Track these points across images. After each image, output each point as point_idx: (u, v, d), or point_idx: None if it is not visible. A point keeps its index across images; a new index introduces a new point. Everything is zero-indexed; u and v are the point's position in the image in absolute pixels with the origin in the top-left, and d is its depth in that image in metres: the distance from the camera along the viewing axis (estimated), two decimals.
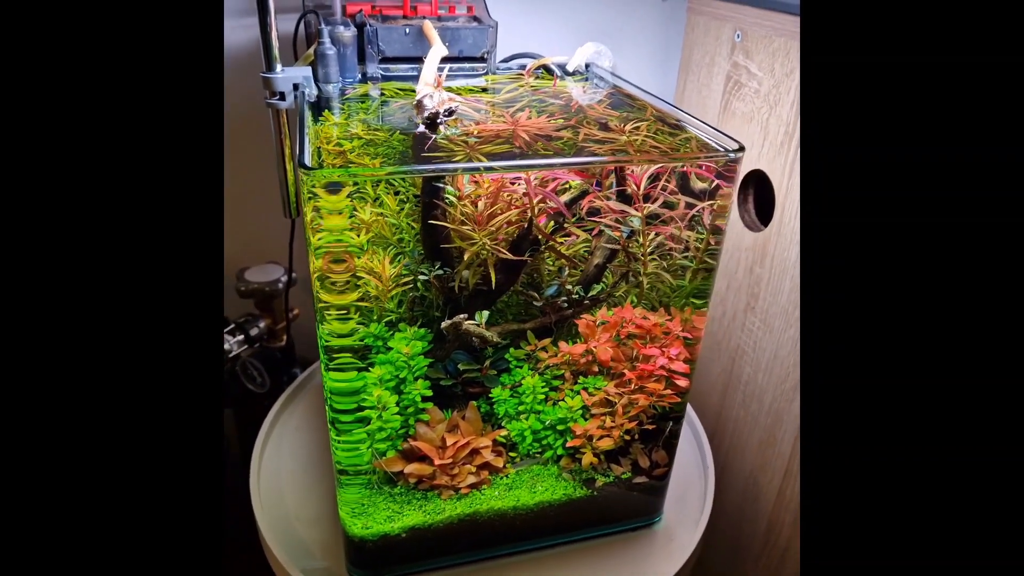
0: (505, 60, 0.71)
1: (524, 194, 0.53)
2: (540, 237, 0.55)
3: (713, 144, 0.51)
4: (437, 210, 0.52)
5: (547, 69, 0.68)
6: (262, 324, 0.81)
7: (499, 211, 0.53)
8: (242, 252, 0.86)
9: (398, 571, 0.57)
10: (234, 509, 0.76)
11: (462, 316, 0.51)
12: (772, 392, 0.75)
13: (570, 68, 0.68)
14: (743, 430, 0.82)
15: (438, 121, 0.52)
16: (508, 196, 0.53)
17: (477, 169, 0.49)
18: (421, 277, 0.53)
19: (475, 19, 0.70)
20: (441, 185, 0.51)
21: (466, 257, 0.52)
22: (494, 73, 0.67)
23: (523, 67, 0.68)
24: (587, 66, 0.69)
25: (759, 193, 0.77)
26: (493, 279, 0.53)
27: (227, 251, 0.86)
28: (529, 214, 0.53)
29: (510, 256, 0.53)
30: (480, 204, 0.52)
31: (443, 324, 0.51)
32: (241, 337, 0.79)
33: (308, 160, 0.41)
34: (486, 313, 0.53)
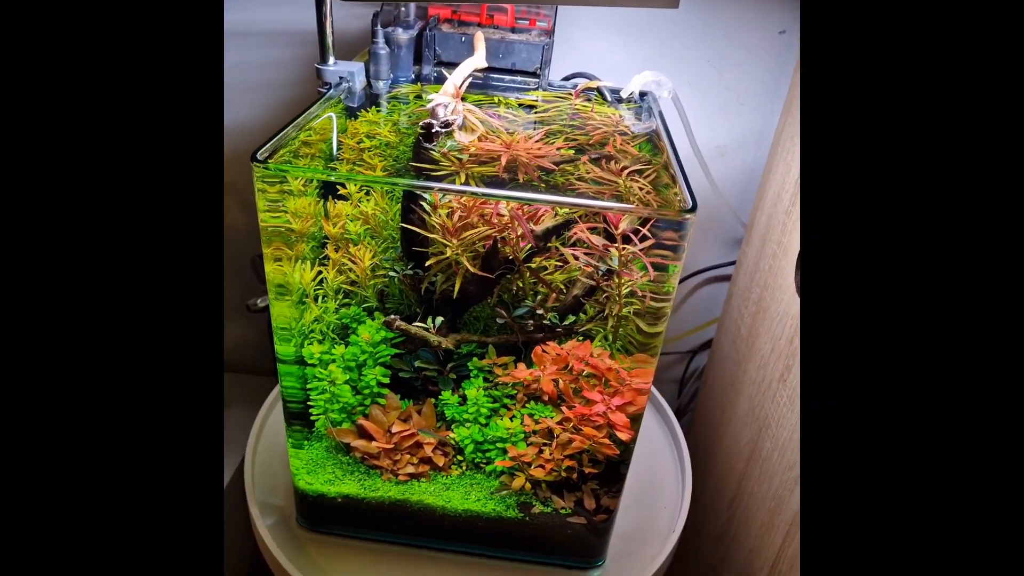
0: (566, 78, 0.71)
1: (498, 214, 0.54)
2: (512, 258, 0.56)
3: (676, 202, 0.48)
4: (414, 214, 0.55)
5: (600, 93, 0.67)
6: None
7: (471, 225, 0.54)
8: None
9: (332, 530, 0.63)
10: None
11: (395, 316, 0.54)
12: (780, 476, 0.69)
13: (623, 95, 0.67)
14: (752, 506, 0.75)
15: (433, 131, 0.55)
16: (482, 212, 0.54)
17: (427, 187, 0.51)
18: (392, 274, 0.57)
19: (548, 34, 0.70)
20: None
21: (430, 262, 0.55)
22: (545, 89, 0.68)
23: (576, 87, 0.68)
24: (642, 95, 0.67)
25: None
26: (456, 289, 0.56)
27: None
28: (500, 234, 0.54)
29: (475, 270, 0.55)
30: (455, 216, 0.55)
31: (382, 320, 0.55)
32: None
33: (261, 155, 0.46)
34: (440, 319, 0.56)
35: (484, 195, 0.52)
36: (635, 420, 0.54)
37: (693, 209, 0.45)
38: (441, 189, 0.51)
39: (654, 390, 0.81)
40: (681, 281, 0.98)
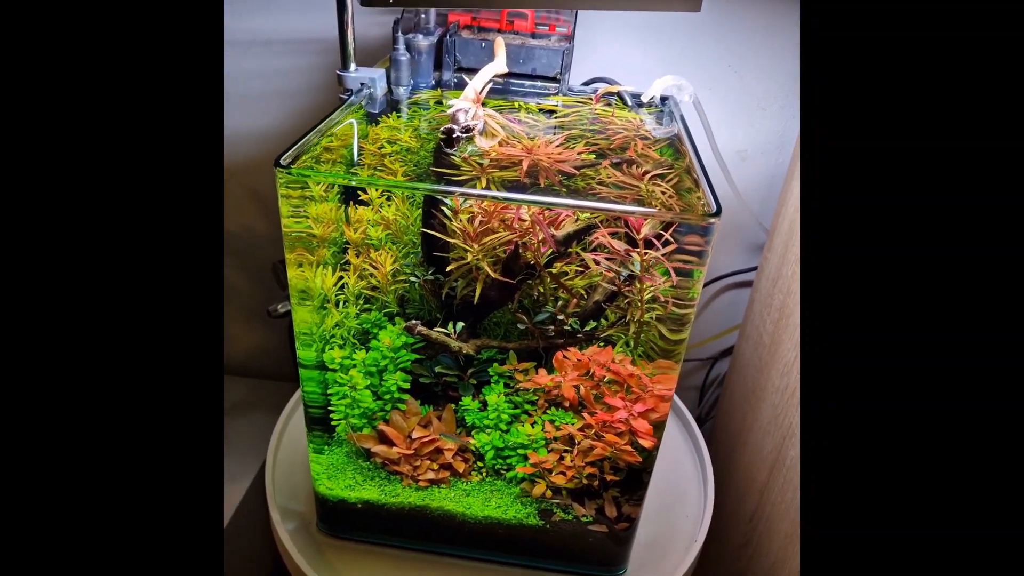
0: (587, 82, 0.71)
1: (519, 219, 0.54)
2: (533, 263, 0.55)
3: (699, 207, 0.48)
4: (435, 219, 0.55)
5: (620, 97, 0.67)
6: None
7: (492, 230, 0.54)
8: None
9: (352, 536, 0.63)
10: None
11: (415, 321, 0.54)
12: None
13: (644, 99, 0.66)
14: (776, 517, 0.74)
15: (454, 137, 0.55)
16: (503, 217, 0.54)
17: (448, 192, 0.51)
18: (413, 279, 0.57)
19: (568, 39, 0.70)
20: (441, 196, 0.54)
21: (450, 268, 0.55)
22: (565, 94, 0.68)
23: (596, 91, 0.68)
24: (663, 99, 0.67)
25: None
26: (477, 294, 0.55)
27: None
28: (521, 239, 0.54)
29: (495, 275, 0.54)
30: (476, 221, 0.54)
31: (403, 325, 0.54)
32: None
33: (284, 160, 0.46)
34: (460, 324, 0.56)
35: (505, 200, 0.52)
36: (658, 427, 0.54)
37: (718, 213, 0.44)
38: (462, 194, 0.51)
39: (675, 397, 0.80)
40: (702, 287, 0.97)
